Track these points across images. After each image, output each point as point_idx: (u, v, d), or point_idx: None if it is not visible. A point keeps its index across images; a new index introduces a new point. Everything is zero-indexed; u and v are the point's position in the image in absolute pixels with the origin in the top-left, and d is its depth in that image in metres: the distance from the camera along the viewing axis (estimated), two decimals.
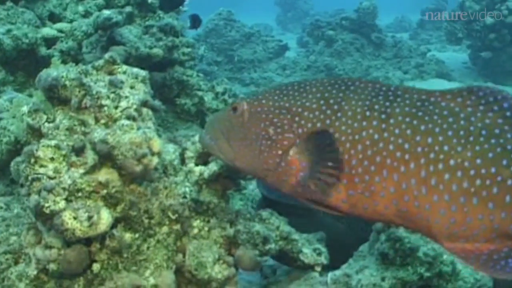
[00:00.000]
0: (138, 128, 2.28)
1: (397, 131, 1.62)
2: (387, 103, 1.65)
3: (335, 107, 1.67)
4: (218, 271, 2.36)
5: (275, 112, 1.72)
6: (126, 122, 2.28)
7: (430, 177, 1.59)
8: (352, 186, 1.64)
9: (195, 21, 7.46)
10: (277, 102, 1.73)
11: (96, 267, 2.24)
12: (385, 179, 1.61)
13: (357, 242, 2.70)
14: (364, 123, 1.64)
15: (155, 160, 2.27)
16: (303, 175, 1.68)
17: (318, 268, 2.50)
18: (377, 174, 1.62)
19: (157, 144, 2.28)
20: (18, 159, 2.31)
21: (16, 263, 2.29)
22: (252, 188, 4.07)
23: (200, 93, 4.87)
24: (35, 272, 2.23)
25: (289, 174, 1.69)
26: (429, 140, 1.60)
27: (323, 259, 2.51)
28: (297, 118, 1.69)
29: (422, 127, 1.61)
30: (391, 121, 1.63)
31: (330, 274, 2.38)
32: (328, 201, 1.68)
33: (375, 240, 2.50)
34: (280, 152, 1.69)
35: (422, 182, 1.59)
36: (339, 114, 1.66)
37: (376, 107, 1.65)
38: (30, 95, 3.33)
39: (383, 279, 2.37)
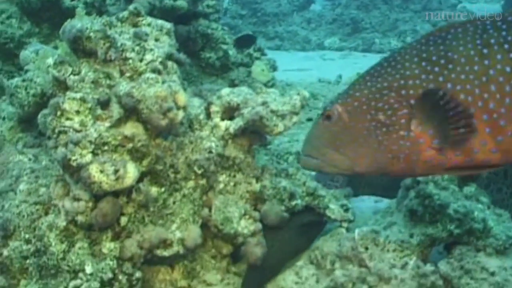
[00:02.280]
0: (163, 82, 2.24)
1: None
2: (504, 33, 1.50)
3: (442, 61, 1.53)
4: (244, 226, 2.36)
5: (376, 98, 1.59)
6: (151, 75, 2.24)
7: None
8: (499, 131, 1.50)
9: None
10: (373, 87, 1.60)
11: (123, 220, 2.26)
12: None
13: None
14: (486, 61, 1.49)
15: (181, 114, 2.24)
16: (437, 142, 1.55)
17: (345, 224, 2.47)
18: None
19: (182, 98, 2.24)
20: (45, 111, 2.31)
21: (46, 213, 2.31)
22: (277, 143, 4.03)
23: (224, 46, 4.79)
24: (64, 223, 2.25)
25: (420, 150, 1.57)
26: None
27: (350, 216, 2.48)
28: (403, 92, 1.56)
29: None
30: None
31: (357, 230, 2.35)
32: (475, 159, 1.54)
33: (403, 197, 2.46)
34: (401, 132, 1.56)
35: None
36: (450, 66, 1.52)
37: (492, 41, 1.50)
38: (56, 47, 3.30)
39: (411, 236, 2.33)
